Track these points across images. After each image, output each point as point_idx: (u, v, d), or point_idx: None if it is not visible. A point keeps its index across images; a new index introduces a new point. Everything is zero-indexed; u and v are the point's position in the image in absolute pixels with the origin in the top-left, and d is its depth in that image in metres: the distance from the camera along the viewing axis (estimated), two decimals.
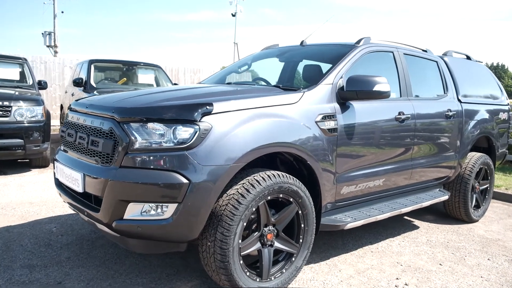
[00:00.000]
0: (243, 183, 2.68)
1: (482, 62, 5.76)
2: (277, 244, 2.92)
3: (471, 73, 5.26)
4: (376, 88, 3.24)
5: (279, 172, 2.84)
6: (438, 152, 4.43)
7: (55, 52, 28.34)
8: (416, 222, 4.91)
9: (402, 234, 4.42)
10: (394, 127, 3.79)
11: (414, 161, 4.11)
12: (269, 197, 2.77)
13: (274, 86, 3.37)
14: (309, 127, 3.03)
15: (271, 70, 4.70)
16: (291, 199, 2.91)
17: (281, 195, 2.85)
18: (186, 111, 2.56)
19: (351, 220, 3.45)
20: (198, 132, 2.50)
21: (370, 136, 3.55)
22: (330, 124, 3.18)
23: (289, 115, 2.95)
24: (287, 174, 2.88)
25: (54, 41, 28.36)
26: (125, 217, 2.51)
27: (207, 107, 2.58)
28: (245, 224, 2.67)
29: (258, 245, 2.82)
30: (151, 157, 2.48)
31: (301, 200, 2.95)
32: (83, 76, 8.52)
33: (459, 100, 4.76)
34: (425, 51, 4.71)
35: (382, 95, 3.29)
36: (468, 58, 5.49)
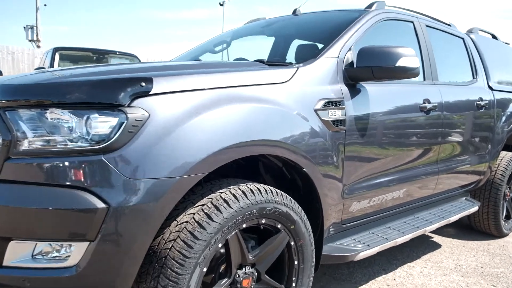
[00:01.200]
0: (203, 205, 1.71)
1: (509, 44, 4.83)
2: None
3: (500, 56, 4.32)
4: (401, 63, 2.28)
5: (260, 186, 1.87)
6: (467, 152, 3.49)
7: (38, 47, 27.20)
8: (436, 238, 3.97)
9: (422, 256, 3.48)
10: (418, 120, 2.84)
11: (441, 164, 3.16)
12: (244, 225, 1.81)
13: (256, 61, 2.41)
14: (305, 117, 2.06)
15: (258, 49, 3.73)
16: (279, 226, 1.94)
17: (263, 221, 1.88)
18: (105, 89, 1.57)
19: (363, 247, 2.49)
20: (125, 125, 1.53)
21: (389, 132, 2.59)
22: (336, 114, 2.21)
23: (276, 99, 1.98)
24: (273, 189, 1.91)
25: (37, 35, 27.18)
26: (5, 263, 1.53)
27: (142, 83, 1.60)
28: (205, 269, 1.70)
29: None
30: (47, 165, 1.50)
31: (294, 226, 1.98)
32: (47, 65, 7.49)
33: (490, 88, 3.82)
34: (449, 25, 3.76)
35: (408, 74, 2.33)
36: (494, 37, 4.55)
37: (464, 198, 3.81)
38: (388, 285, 2.89)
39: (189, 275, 1.61)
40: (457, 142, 3.32)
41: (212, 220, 1.66)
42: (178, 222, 1.67)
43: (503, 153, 4.12)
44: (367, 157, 2.45)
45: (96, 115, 1.53)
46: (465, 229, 4.29)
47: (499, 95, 3.86)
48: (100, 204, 1.46)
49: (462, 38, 3.78)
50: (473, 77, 3.73)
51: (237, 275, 1.85)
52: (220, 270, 1.88)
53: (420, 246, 3.68)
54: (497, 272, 3.24)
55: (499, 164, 4.01)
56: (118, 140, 1.51)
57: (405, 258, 3.40)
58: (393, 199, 2.74)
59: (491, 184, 3.95)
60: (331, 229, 2.37)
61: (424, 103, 2.85)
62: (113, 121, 1.53)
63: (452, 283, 2.99)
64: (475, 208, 3.66)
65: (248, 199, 1.77)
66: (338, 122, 2.21)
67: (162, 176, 1.55)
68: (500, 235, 4.11)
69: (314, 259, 2.12)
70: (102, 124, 1.52)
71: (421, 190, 3.03)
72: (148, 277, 1.64)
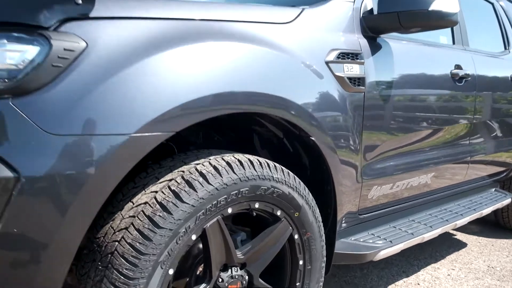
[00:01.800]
0: (170, 181, 1.20)
1: None
2: None
3: None
4: (436, 6, 1.77)
5: (253, 158, 1.36)
6: (500, 133, 2.97)
7: None
8: (460, 236, 3.45)
9: (447, 256, 2.96)
10: (449, 89, 2.33)
11: (473, 146, 2.64)
12: (229, 210, 1.30)
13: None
14: (314, 69, 1.55)
15: None
16: (279, 212, 1.43)
17: (257, 205, 1.37)
18: (20, 5, 1.07)
19: (385, 243, 1.97)
20: (46, 56, 1.02)
21: (416, 101, 2.08)
22: (353, 69, 1.70)
23: (276, 42, 1.46)
24: (270, 162, 1.40)
25: None
26: None
27: (79, 1, 1.09)
28: (171, 271, 1.19)
29: None
30: None
31: (299, 213, 1.47)
32: None
33: None
34: None
35: (446, 20, 1.82)
36: None
37: (493, 189, 3.29)
38: None
39: (145, 279, 1.09)
40: (490, 121, 2.80)
41: (182, 201, 1.15)
42: (133, 204, 1.17)
43: None
44: (390, 130, 1.94)
45: (4, 40, 1.02)
46: (490, 226, 3.77)
47: None
48: (5, 172, 0.96)
49: (492, 3, 3.26)
50: (505, 48, 3.21)
51: (220, 280, 1.34)
52: (198, 273, 1.38)
53: (443, 245, 3.17)
54: None
55: None
56: (36, 77, 1.00)
57: (427, 258, 2.88)
58: (420, 185, 2.23)
59: None
60: (344, 221, 1.86)
61: (456, 68, 2.34)
62: (29, 50, 1.02)
63: (488, 287, 2.48)
64: (508, 200, 3.14)
65: (235, 173, 1.26)
66: (355, 81, 1.70)
67: (102, 133, 1.04)
68: None
69: (324, 258, 1.61)
70: (12, 53, 1.01)
71: (450, 177, 2.52)
72: (88, 283, 1.13)
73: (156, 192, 1.17)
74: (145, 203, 1.15)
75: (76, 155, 1.01)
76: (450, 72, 2.31)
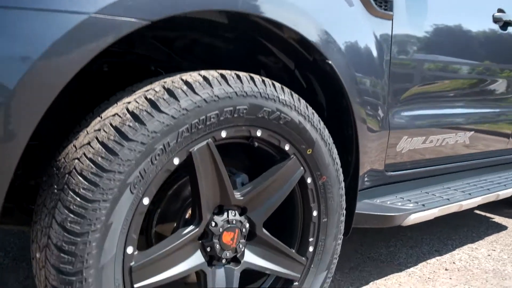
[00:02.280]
0: (147, 91, 0.96)
1: None
2: (251, 259, 1.18)
3: None
4: None
5: (252, 74, 1.11)
6: None
7: None
8: (498, 219, 3.09)
9: (485, 237, 2.62)
10: (491, 36, 2.01)
11: None
12: (223, 133, 1.04)
13: None
14: None
15: None
16: (287, 146, 1.17)
17: (259, 133, 1.11)
18: None
19: (416, 206, 1.68)
20: None
21: (454, 40, 1.79)
22: None
23: None
24: (276, 83, 1.14)
25: None
26: None
27: None
28: (146, 200, 0.94)
29: (198, 260, 1.08)
30: None
31: (312, 150, 1.20)
32: None
33: None
34: None
35: None
36: None
37: None
38: (446, 269, 2.07)
39: (107, 203, 0.85)
40: None
41: (159, 110, 0.91)
42: (101, 119, 0.93)
43: None
44: (423, 71, 1.66)
45: None
46: None
47: None
48: None
49: None
50: None
51: (213, 224, 1.08)
52: (187, 216, 1.13)
53: (480, 227, 2.82)
54: None
55: None
56: None
57: (462, 238, 2.55)
58: (456, 145, 1.92)
59: None
60: (368, 178, 1.58)
61: (499, 12, 2.02)
62: None
63: None
64: None
65: (229, 85, 1.01)
66: (382, 3, 1.43)
67: (55, 8, 0.80)
68: None
69: (344, 211, 1.34)
70: None
71: (492, 140, 2.20)
72: (43, 212, 0.90)
73: (129, 102, 0.93)
74: (115, 114, 0.91)
75: (19, 35, 0.78)
76: (493, 15, 2.00)
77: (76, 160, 0.87)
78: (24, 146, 0.80)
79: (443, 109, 1.79)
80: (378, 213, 1.57)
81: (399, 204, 1.69)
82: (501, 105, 2.17)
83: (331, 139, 1.25)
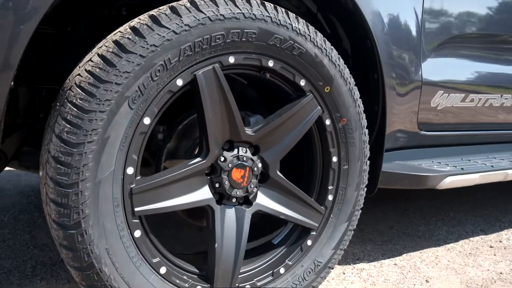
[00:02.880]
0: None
1: None
2: (264, 201, 1.12)
3: None
4: None
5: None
6: None
7: None
8: None
9: None
10: None
11: None
12: (231, 59, 0.99)
13: None
14: None
15: None
16: (303, 82, 1.10)
17: (271, 63, 1.05)
18: None
19: (454, 169, 1.55)
20: None
21: None
22: None
23: None
24: (284, 10, 1.08)
25: None
26: None
27: None
28: (147, 120, 0.90)
29: (205, 195, 1.04)
30: None
31: (331, 88, 1.13)
32: None
33: None
34: None
35: None
36: None
37: None
38: (491, 247, 1.89)
39: (104, 115, 0.83)
40: None
41: (160, 24, 0.87)
42: (106, 39, 0.91)
43: None
44: (465, 15, 1.53)
45: None
46: None
47: None
48: None
49: None
50: None
51: (222, 159, 1.04)
52: (195, 153, 1.09)
53: None
54: None
55: None
56: None
57: (506, 218, 2.34)
58: (503, 108, 1.75)
59: None
60: (398, 135, 1.47)
61: None
62: None
63: None
64: None
65: (237, 6, 0.96)
66: None
67: None
68: None
69: (367, 159, 1.24)
70: None
71: None
72: (47, 131, 0.89)
73: (132, 20, 0.90)
74: (117, 32, 0.89)
75: None
76: None
77: (77, 76, 0.86)
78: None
79: (488, 63, 1.64)
80: (410, 173, 1.45)
81: (435, 166, 1.57)
82: None
83: (352, 78, 1.17)
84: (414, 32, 1.35)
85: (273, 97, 1.16)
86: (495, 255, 1.80)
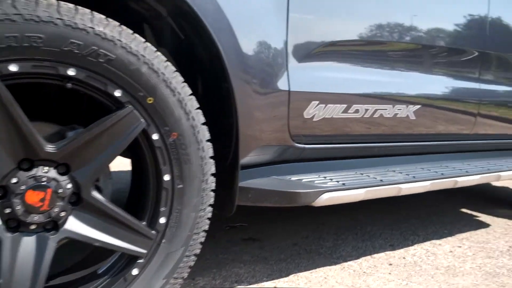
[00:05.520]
0: None
1: None
2: (75, 227, 0.99)
3: None
4: None
5: None
6: None
7: None
8: (484, 218, 2.77)
9: (457, 234, 2.32)
10: None
11: (484, 84, 2.03)
12: (13, 67, 0.86)
13: None
14: None
15: None
16: (119, 93, 0.97)
17: (71, 72, 0.92)
18: None
19: (334, 185, 1.45)
20: None
21: None
22: None
23: None
24: (87, 10, 0.95)
25: None
26: None
27: None
28: None
29: None
30: None
31: (155, 98, 1.01)
32: None
33: None
34: None
35: None
36: None
37: None
38: (390, 264, 1.81)
39: None
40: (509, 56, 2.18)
41: None
42: None
43: None
44: (343, 10, 1.44)
45: None
46: None
47: None
48: None
49: None
50: None
51: (14, 180, 0.90)
52: None
53: (457, 224, 2.52)
54: None
55: None
56: None
57: (429, 234, 2.27)
58: (397, 120, 1.67)
59: None
60: (267, 150, 1.36)
61: None
62: None
63: (502, 268, 1.84)
64: None
65: (14, 7, 0.83)
66: None
67: None
68: None
69: (207, 177, 1.12)
70: None
71: (449, 122, 1.93)
72: None
73: None
74: None
75: None
76: None
77: None
78: None
79: (373, 69, 1.55)
80: (280, 189, 1.35)
81: (317, 182, 1.46)
82: (458, 79, 1.90)
83: (182, 88, 1.05)
84: (276, 34, 1.25)
85: (97, 110, 1.04)
86: (390, 273, 1.71)
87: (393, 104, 1.63)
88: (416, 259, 1.87)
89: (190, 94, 1.07)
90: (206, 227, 1.15)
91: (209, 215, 1.15)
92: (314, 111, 1.40)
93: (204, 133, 1.10)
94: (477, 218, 2.75)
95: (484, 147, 2.27)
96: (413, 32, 1.65)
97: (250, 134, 1.24)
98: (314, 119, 1.42)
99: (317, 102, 1.40)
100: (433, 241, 2.16)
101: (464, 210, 2.92)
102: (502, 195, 3.48)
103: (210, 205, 1.14)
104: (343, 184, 1.47)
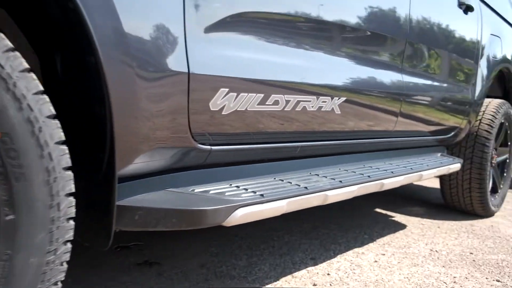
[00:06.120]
0: None
1: None
2: None
3: None
4: None
5: None
6: (445, 75, 2.24)
7: None
8: (399, 218, 2.68)
9: (378, 239, 2.16)
10: None
11: (407, 77, 1.88)
12: None
13: None
14: None
15: None
16: None
17: None
18: None
19: (251, 197, 1.13)
20: None
21: None
22: None
23: None
24: None
25: None
26: None
27: None
28: None
29: None
30: None
31: None
32: None
33: None
34: None
35: None
36: None
37: (439, 154, 2.56)
38: (314, 285, 1.54)
39: None
40: (431, 54, 2.06)
41: None
42: None
43: (487, 100, 2.91)
44: None
45: None
46: (438, 208, 3.04)
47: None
48: None
49: None
50: None
51: None
52: None
53: (374, 226, 2.38)
54: (495, 260, 1.97)
55: (484, 111, 2.80)
56: None
57: (350, 241, 2.07)
58: (322, 113, 1.40)
59: (475, 138, 2.72)
60: (159, 155, 1.00)
61: None
62: None
63: (429, 278, 1.69)
64: (457, 166, 2.41)
65: None
66: None
67: None
68: (486, 213, 2.87)
69: (62, 198, 0.73)
70: None
71: (375, 119, 1.73)
72: None
73: None
74: None
75: None
76: None
77: None
78: None
79: (292, 52, 1.26)
80: (178, 208, 0.99)
81: (228, 193, 1.13)
82: (384, 73, 1.70)
83: (8, 59, 0.65)
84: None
85: None
86: None
87: (317, 95, 1.36)
88: (341, 275, 1.64)
89: (24, 70, 0.67)
90: (62, 277, 0.75)
91: (66, 257, 0.75)
92: (223, 101, 1.07)
93: (53, 131, 0.70)
94: (393, 218, 2.64)
95: (404, 144, 2.15)
96: (340, 13, 1.40)
97: (133, 132, 0.86)
98: (223, 112, 1.08)
99: (227, 90, 1.06)
100: (356, 249, 1.95)
101: (378, 210, 2.82)
102: (408, 191, 3.50)
103: (68, 241, 0.75)
104: (261, 195, 1.15)
